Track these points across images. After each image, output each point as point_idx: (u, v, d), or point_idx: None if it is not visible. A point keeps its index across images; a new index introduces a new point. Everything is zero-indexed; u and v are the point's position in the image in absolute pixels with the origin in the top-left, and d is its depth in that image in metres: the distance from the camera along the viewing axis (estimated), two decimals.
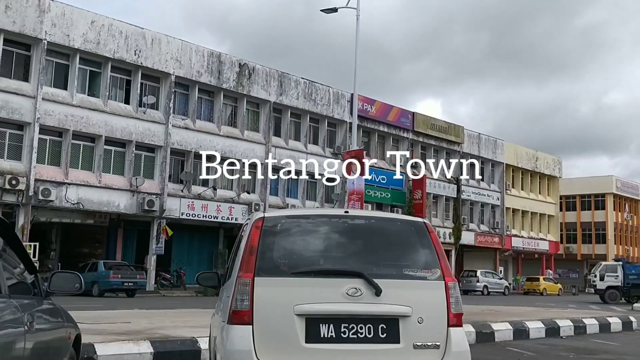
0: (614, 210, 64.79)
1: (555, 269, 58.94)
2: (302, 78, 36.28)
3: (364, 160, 15.70)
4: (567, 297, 43.83)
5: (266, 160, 33.88)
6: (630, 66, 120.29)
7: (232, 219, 32.15)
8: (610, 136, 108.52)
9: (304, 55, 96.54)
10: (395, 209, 41.28)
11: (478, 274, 43.21)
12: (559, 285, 49.87)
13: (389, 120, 41.04)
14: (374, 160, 40.51)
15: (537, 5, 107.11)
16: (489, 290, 43.26)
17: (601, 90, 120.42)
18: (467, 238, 47.21)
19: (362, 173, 16.03)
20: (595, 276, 33.92)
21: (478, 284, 42.77)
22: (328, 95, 37.54)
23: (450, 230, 45.68)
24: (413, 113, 43.00)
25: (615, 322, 14.05)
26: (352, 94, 38.69)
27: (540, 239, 54.95)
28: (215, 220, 31.78)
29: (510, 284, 48.01)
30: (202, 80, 31.55)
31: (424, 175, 42.27)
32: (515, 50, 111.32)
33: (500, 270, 50.35)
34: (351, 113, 37.86)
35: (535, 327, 11.97)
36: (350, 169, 15.95)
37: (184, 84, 31.36)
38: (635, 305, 26.86)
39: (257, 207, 32.75)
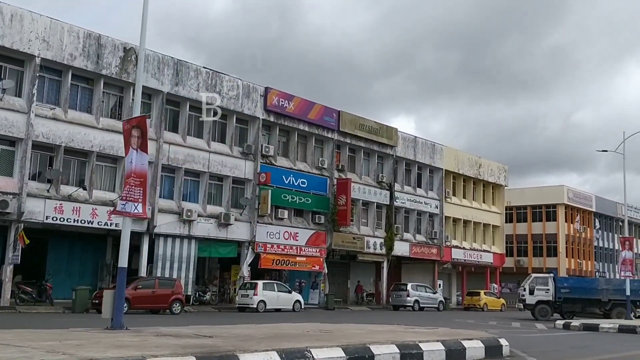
0: (566, 221, 61.85)
1: (503, 282, 55.65)
2: (204, 67, 32.43)
3: (148, 129, 11.81)
4: (509, 312, 40.38)
5: (156, 159, 29.89)
6: (596, 85, 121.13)
7: (111, 224, 28.01)
8: (579, 154, 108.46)
9: (279, 71, 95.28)
10: (317, 215, 37.46)
11: (408, 287, 39.54)
12: (502, 300, 46.51)
13: (310, 119, 37.32)
14: (292, 163, 36.76)
15: (506, 26, 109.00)
16: (421, 305, 39.64)
17: (569, 109, 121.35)
18: (401, 249, 43.61)
19: (144, 148, 12.14)
20: (525, 290, 30.46)
21: (408, 298, 39.13)
22: (237, 88, 33.73)
23: (382, 240, 42.05)
24: (339, 112, 39.35)
25: (473, 347, 10.35)
26: (265, 88, 35.17)
27: (484, 250, 51.56)
28: (90, 225, 27.58)
29: (446, 299, 44.38)
30: (76, 65, 27.49)
31: (349, 179, 38.58)
32: (486, 69, 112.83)
33: (440, 284, 46.81)
34: (264, 108, 34.37)
35: (327, 357, 8.19)
36: (130, 142, 12.07)
37: (54, 69, 27.26)
38: (558, 322, 23.32)
39: None
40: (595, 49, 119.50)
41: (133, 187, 11.88)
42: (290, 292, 32.75)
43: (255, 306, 30.54)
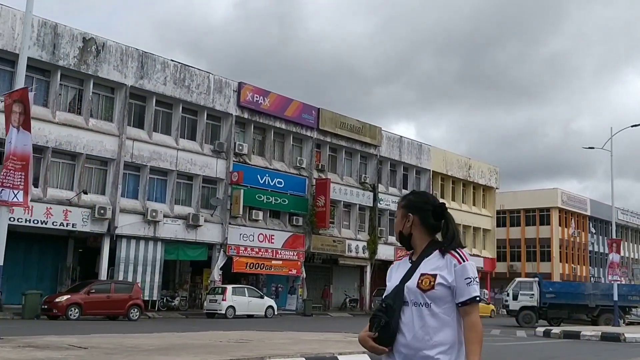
0: (560, 225, 60.11)
1: (495, 288, 53.88)
2: (172, 60, 30.81)
3: (30, 105, 10.14)
4: (498, 319, 38.59)
5: (119, 156, 28.27)
6: (595, 92, 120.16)
7: (68, 225, 26.35)
8: (578, 161, 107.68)
9: (278, 77, 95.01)
10: (294, 217, 35.79)
11: None
12: (492, 306, 44.79)
13: (287, 116, 35.68)
14: (268, 162, 35.13)
15: (505, 33, 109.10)
16: None
17: (568, 116, 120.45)
18: (386, 252, 41.88)
19: (27, 126, 10.46)
20: (508, 295, 28.73)
21: None
22: (208, 82, 32.10)
23: (365, 244, 40.32)
24: (318, 109, 37.72)
25: None
26: (239, 83, 33.56)
27: (475, 255, 49.72)
28: (44, 226, 25.90)
29: None
30: (30, 55, 25.83)
31: (328, 179, 36.90)
32: (485, 75, 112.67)
33: None
34: (238, 104, 32.76)
35: None
36: (10, 119, 10.39)
37: (5, 59, 25.68)
38: (538, 329, 21.61)
39: (101, 212, 27.00)
40: (593, 57, 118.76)
41: (13, 171, 10.16)
42: (262, 297, 31.07)
43: (223, 312, 28.88)
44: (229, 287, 29.71)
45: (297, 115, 36.21)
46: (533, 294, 28.15)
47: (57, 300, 23.27)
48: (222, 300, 29.03)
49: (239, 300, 29.58)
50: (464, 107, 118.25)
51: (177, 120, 31.03)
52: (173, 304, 31.44)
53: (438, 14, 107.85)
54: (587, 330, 19.78)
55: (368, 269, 40.77)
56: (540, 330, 21.45)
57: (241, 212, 32.56)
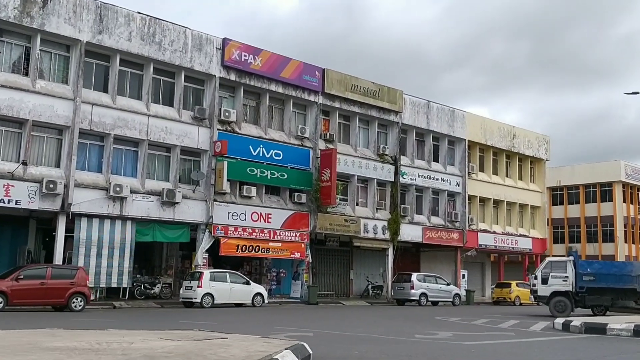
0: (624, 202, 53.22)
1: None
2: (139, 13, 26.79)
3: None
4: (532, 307, 33.07)
5: (72, 122, 24.56)
6: None
7: (9, 201, 22.82)
8: None
9: (345, 67, 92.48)
10: (296, 193, 31.32)
11: (413, 278, 32.85)
12: None
13: (284, 78, 31.18)
14: (263, 131, 30.77)
15: (577, 14, 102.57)
16: (430, 299, 32.95)
17: None
18: (411, 233, 36.93)
19: None
20: (536, 278, 23.40)
21: (413, 291, 32.51)
22: (184, 38, 27.97)
23: (385, 223, 35.46)
24: (323, 69, 33.01)
25: None
26: (223, 39, 29.31)
27: (521, 235, 44.03)
28: None
29: (470, 292, 37.35)
30: None
31: (333, 150, 32.16)
32: (557, 58, 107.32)
33: (463, 275, 39.78)
34: (222, 64, 28.61)
35: None
36: None
37: None
38: (557, 321, 16.42)
39: (50, 187, 23.34)
40: None
41: None
42: (248, 283, 26.86)
43: (199, 301, 24.87)
44: (206, 272, 25.67)
45: (296, 77, 31.64)
46: (567, 277, 22.76)
47: None
48: (198, 287, 25.02)
49: (219, 286, 25.52)
50: (536, 90, 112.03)
51: (147, 83, 27.06)
52: (152, 291, 27.67)
53: None
54: (617, 323, 14.52)
55: (390, 252, 35.88)
56: (559, 322, 16.28)
57: (226, 188, 28.35)
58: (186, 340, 7.27)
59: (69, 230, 24.75)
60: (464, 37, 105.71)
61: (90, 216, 24.95)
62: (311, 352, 7.37)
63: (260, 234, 29.82)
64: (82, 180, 24.82)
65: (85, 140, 25.44)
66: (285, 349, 6.55)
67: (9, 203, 22.92)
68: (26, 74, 24.13)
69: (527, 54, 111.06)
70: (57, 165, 24.68)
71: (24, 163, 23.07)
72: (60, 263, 23.91)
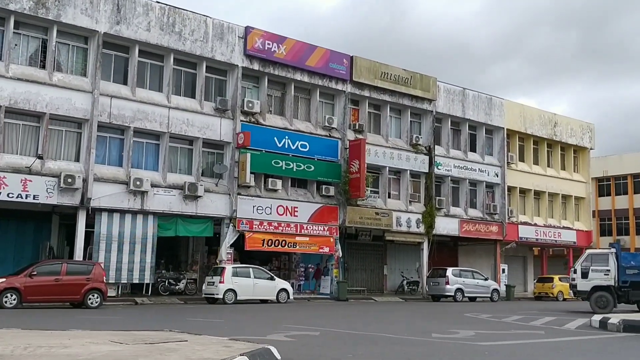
0: None
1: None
2: (157, 2, 26.14)
3: None
4: (572, 303, 31.35)
5: (91, 115, 24.06)
6: None
7: (26, 196, 22.44)
8: None
9: (391, 60, 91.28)
10: (324, 186, 30.30)
11: (448, 273, 31.49)
12: None
13: (309, 67, 30.15)
14: (289, 122, 29.82)
15: (625, 1, 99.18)
16: (467, 294, 31.58)
17: None
18: (447, 226, 35.51)
19: None
20: (575, 272, 21.84)
21: (448, 286, 31.16)
22: (204, 28, 27.23)
23: (419, 216, 34.14)
24: (351, 57, 31.84)
25: None
26: (245, 27, 28.50)
27: (564, 227, 42.04)
28: None
29: (510, 287, 35.76)
30: None
31: (362, 140, 30.99)
32: (607, 47, 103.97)
33: (503, 269, 38.13)
34: (245, 53, 27.80)
35: None
36: None
37: None
38: (594, 318, 15.02)
39: (69, 181, 22.89)
40: None
41: None
42: (272, 279, 26.00)
43: (221, 297, 24.14)
44: (228, 267, 24.90)
45: (323, 65, 30.58)
46: (609, 270, 21.14)
47: None
48: (220, 282, 24.28)
49: (241, 282, 24.74)
50: (587, 80, 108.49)
51: (168, 74, 26.42)
52: (177, 287, 27.07)
53: None
54: None
55: (425, 246, 34.54)
56: (596, 319, 14.87)
57: (250, 180, 27.51)
58: (135, 344, 6.38)
59: (91, 225, 24.32)
60: (511, 28, 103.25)
61: (110, 211, 24.46)
62: (279, 358, 6.38)
63: (287, 228, 28.90)
64: (102, 174, 24.32)
65: (105, 134, 24.95)
66: (241, 355, 5.58)
67: (26, 198, 22.54)
68: (43, 67, 23.72)
69: (576, 44, 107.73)
70: (77, 159, 24.23)
71: (40, 157, 22.66)
72: (81, 259, 23.49)
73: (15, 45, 23.28)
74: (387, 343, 10.94)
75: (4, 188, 22.05)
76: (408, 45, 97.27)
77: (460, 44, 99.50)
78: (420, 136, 34.73)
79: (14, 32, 23.00)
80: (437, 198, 35.03)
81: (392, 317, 19.20)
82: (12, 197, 22.23)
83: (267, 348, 6.38)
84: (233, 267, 25.12)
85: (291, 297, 26.18)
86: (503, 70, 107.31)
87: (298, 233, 29.27)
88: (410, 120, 34.74)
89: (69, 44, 24.50)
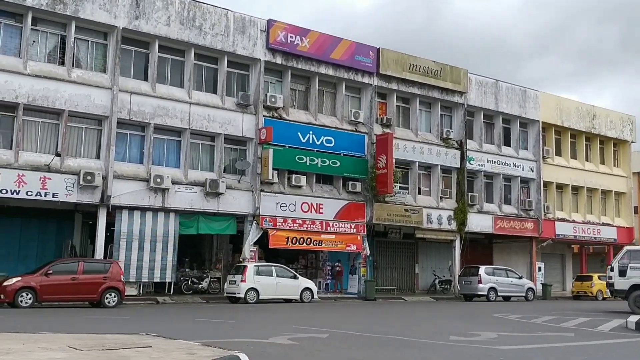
0: None
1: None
2: None
3: None
4: (608, 302, 29.92)
5: (110, 112, 23.74)
6: None
7: (45, 194, 22.21)
8: None
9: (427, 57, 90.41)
10: (350, 182, 29.49)
11: (481, 271, 30.36)
12: None
13: (334, 60, 29.38)
14: (313, 117, 29.08)
15: None
16: (500, 294, 30.44)
17: None
18: (480, 223, 34.32)
19: None
20: (612, 270, 20.61)
21: (481, 285, 30.02)
22: (225, 21, 26.70)
23: (451, 213, 33.06)
24: (377, 49, 30.95)
25: None
26: (268, 20, 27.88)
27: (604, 224, 40.36)
28: (16, 196, 21.89)
29: (547, 285, 34.44)
30: None
31: (389, 134, 30.05)
32: None
33: (539, 268, 36.73)
34: (267, 47, 27.21)
35: None
36: None
37: None
38: (630, 319, 13.91)
39: (88, 179, 22.60)
40: None
41: None
42: (295, 277, 25.33)
43: (242, 296, 23.57)
44: (250, 266, 24.31)
45: (348, 58, 29.77)
46: None
47: (5, 284, 19.09)
48: (241, 281, 23.71)
49: (264, 281, 24.12)
50: (629, 75, 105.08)
51: (189, 70, 25.95)
52: (200, 286, 26.62)
53: None
54: None
55: (457, 244, 33.44)
56: (632, 320, 13.76)
57: (273, 177, 26.88)
58: (90, 351, 5.74)
59: (112, 223, 24.02)
60: (550, 23, 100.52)
61: (131, 209, 24.11)
62: None
63: (312, 226, 28.19)
64: (122, 171, 23.98)
65: (125, 131, 24.61)
66: None
67: (45, 196, 22.31)
68: (62, 63, 23.47)
69: (618, 38, 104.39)
70: (97, 156, 23.95)
71: (58, 154, 22.40)
72: (102, 257, 23.18)
73: (34, 41, 23.09)
74: (397, 346, 10.13)
75: (23, 186, 21.86)
76: (443, 43, 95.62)
77: (496, 40, 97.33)
78: (451, 130, 33.63)
79: (32, 29, 22.81)
80: (470, 194, 33.88)
81: (416, 317, 18.34)
82: (31, 195, 22.03)
83: (235, 356, 5.69)
84: (255, 266, 24.53)
85: (315, 296, 25.49)
86: (542, 66, 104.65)
87: (324, 231, 28.53)
88: (441, 114, 33.67)
89: (87, 40, 24.23)
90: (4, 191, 21.55)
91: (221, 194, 25.74)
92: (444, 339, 11.44)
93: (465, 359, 8.86)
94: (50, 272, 19.55)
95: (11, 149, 22.12)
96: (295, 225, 27.74)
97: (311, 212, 28.25)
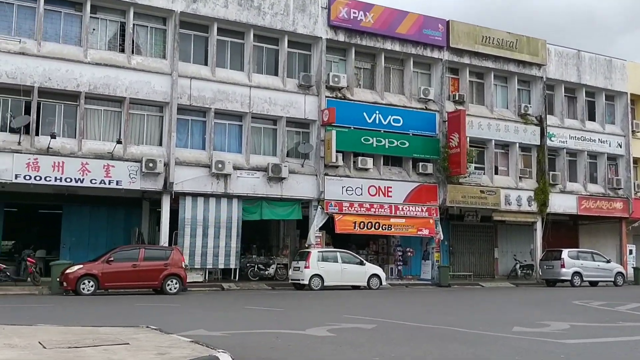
0: None
1: None
2: None
3: None
4: None
5: (170, 98, 23.51)
6: None
7: (109, 182, 22.24)
8: None
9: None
10: (421, 163, 28.16)
11: (564, 255, 28.41)
12: None
13: (401, 34, 28.03)
14: (379, 95, 27.90)
15: None
16: (586, 279, 28.44)
17: None
18: (563, 204, 32.17)
19: None
20: None
21: (564, 270, 28.13)
22: (285, 0, 25.93)
23: (531, 194, 31.13)
24: (447, 21, 29.33)
25: None
26: None
27: None
28: (80, 185, 22.01)
29: (638, 270, 31.96)
30: None
31: (461, 111, 28.44)
32: None
33: (631, 251, 34.17)
34: (329, 24, 26.30)
35: None
36: None
37: None
38: None
39: (150, 166, 22.47)
40: None
41: None
42: (362, 263, 24.38)
43: (306, 282, 22.88)
44: (313, 252, 23.56)
45: (416, 32, 28.34)
46: None
47: (68, 271, 19.18)
48: (305, 267, 23.02)
49: (328, 267, 23.33)
50: None
51: (248, 52, 25.35)
52: (267, 272, 26.15)
53: None
54: None
55: (538, 226, 31.46)
56: None
57: (337, 160, 25.95)
58: (51, 349, 5.05)
59: (177, 210, 23.87)
60: None
61: (194, 195, 23.85)
62: None
63: (380, 210, 27.10)
64: (184, 157, 23.73)
65: (186, 117, 24.33)
66: None
67: (109, 184, 22.33)
68: (122, 51, 23.39)
69: None
70: (159, 143, 23.80)
71: (119, 142, 22.33)
72: (166, 244, 23.05)
73: (94, 29, 23.10)
74: (447, 340, 9.05)
75: (87, 174, 21.94)
76: (529, 20, 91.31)
77: (585, 16, 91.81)
78: (529, 105, 31.57)
79: (91, 17, 22.80)
80: (551, 173, 31.76)
81: (485, 304, 17.04)
82: (95, 183, 22.10)
83: (214, 356, 4.88)
84: (319, 252, 23.77)
85: (384, 282, 24.46)
86: (635, 41, 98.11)
87: (393, 215, 27.39)
88: (518, 89, 31.66)
89: (146, 26, 24.06)
90: (68, 180, 21.69)
91: (284, 178, 25.09)
92: (505, 331, 10.23)
93: (519, 356, 7.68)
94: (112, 259, 19.50)
95: (75, 137, 22.22)
96: (362, 209, 26.74)
97: (379, 195, 27.16)
